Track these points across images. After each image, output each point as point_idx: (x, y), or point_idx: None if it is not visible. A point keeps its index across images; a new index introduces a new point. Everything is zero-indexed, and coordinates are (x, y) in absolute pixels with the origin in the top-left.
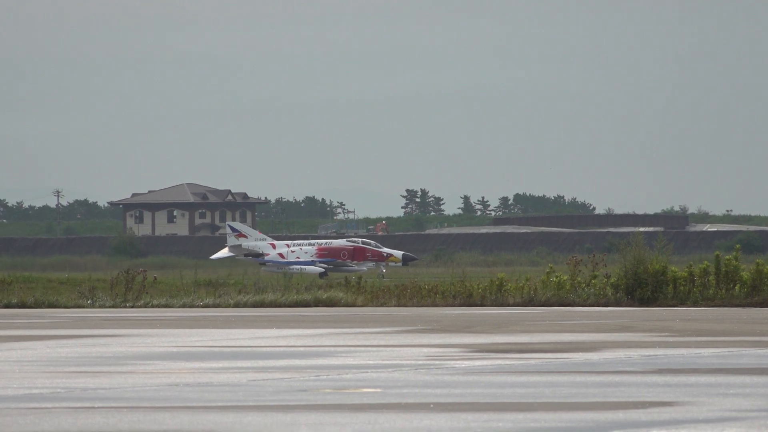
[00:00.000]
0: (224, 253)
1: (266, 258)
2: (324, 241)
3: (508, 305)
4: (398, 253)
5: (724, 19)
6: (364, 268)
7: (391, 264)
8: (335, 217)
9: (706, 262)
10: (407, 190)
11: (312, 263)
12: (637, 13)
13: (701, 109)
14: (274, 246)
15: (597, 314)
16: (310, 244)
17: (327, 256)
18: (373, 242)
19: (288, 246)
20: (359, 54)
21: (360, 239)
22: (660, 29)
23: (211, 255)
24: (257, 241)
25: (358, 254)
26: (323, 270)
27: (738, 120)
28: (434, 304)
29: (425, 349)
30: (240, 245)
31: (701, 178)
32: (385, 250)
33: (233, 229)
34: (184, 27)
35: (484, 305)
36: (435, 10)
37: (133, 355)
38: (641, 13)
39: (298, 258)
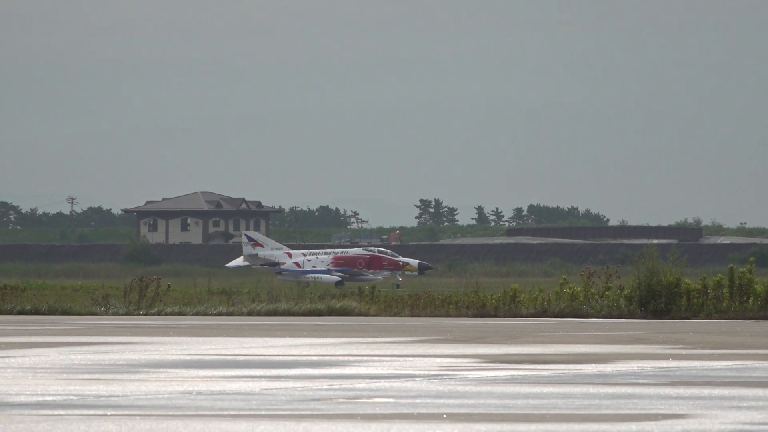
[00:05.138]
0: (239, 261)
1: (282, 267)
2: (340, 250)
3: (522, 316)
4: (414, 262)
5: (742, 34)
6: (380, 277)
7: (407, 273)
8: (349, 227)
9: (719, 274)
10: (421, 200)
11: (328, 272)
12: (654, 26)
13: (716, 122)
14: (290, 255)
15: (610, 326)
16: (326, 253)
17: (343, 265)
18: (389, 251)
19: (304, 255)
20: (374, 63)
21: (376, 248)
22: (675, 43)
23: (224, 263)
24: (273, 250)
25: (374, 263)
26: (339, 279)
27: (753, 133)
28: (447, 315)
29: (438, 360)
30: (256, 254)
31: (715, 191)
32: (402, 259)
33: (249, 238)
34: (200, 35)
35: (498, 316)
36: (451, 21)
37: (146, 362)
38: (659, 26)
39: (314, 267)
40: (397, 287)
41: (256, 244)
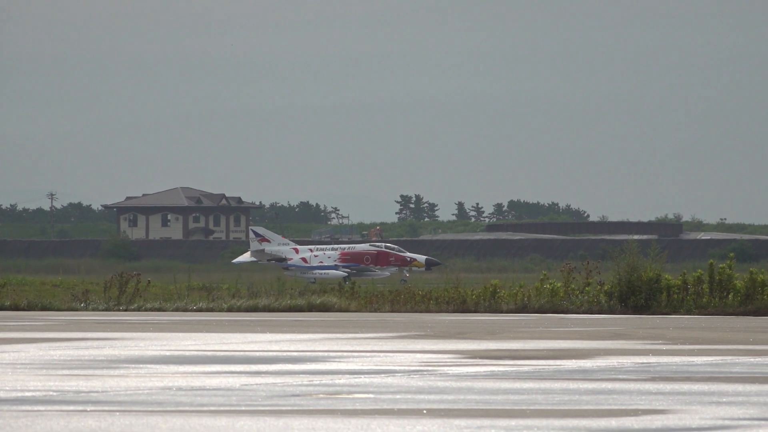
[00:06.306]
0: (246, 257)
1: (289, 263)
2: (347, 245)
3: (502, 312)
4: (422, 258)
5: (721, 28)
6: (387, 273)
7: (414, 269)
8: (329, 222)
9: (699, 270)
10: (401, 196)
11: (335, 268)
12: (634, 21)
13: (696, 118)
14: (297, 251)
15: (590, 321)
16: (333, 249)
17: (350, 260)
18: (396, 247)
19: (311, 251)
20: (355, 59)
21: (383, 244)
22: (656, 39)
23: (204, 259)
24: (280, 246)
25: (381, 259)
26: (346, 274)
27: (732, 130)
28: (428, 310)
29: (418, 355)
30: (263, 250)
31: (695, 187)
32: (409, 254)
33: (256, 234)
34: (180, 31)
35: (478, 311)
36: (432, 18)
37: (126, 358)
38: (638, 22)
39: (321, 262)
40: (404, 282)
41: (262, 239)
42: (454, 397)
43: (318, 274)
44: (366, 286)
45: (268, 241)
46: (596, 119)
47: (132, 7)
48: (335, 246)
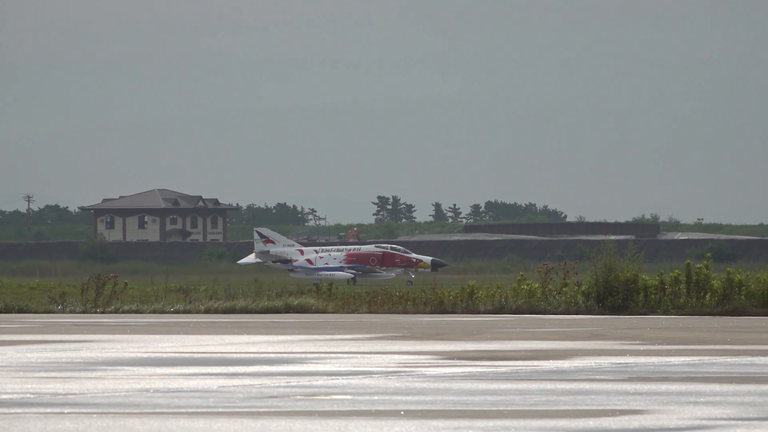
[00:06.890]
0: (251, 258)
1: (295, 264)
2: (352, 246)
3: (479, 313)
4: (427, 259)
5: (701, 29)
6: (393, 274)
7: (420, 270)
8: (306, 224)
9: (677, 270)
10: (379, 197)
11: (341, 269)
12: (612, 22)
13: (672, 119)
14: (302, 252)
15: (568, 322)
16: (338, 250)
17: (356, 261)
18: (402, 248)
19: (316, 252)
20: (333, 62)
21: (389, 245)
22: (634, 40)
23: (182, 261)
24: (285, 247)
25: (387, 260)
26: (352, 276)
27: (708, 130)
28: (405, 311)
29: (396, 356)
30: (268, 251)
31: (672, 187)
32: (414, 255)
33: (261, 235)
34: (160, 33)
35: (455, 312)
36: (411, 21)
37: (103, 360)
38: (616, 22)
39: (327, 264)
40: (410, 284)
41: (267, 241)
42: (431, 398)
43: (323, 276)
44: (343, 287)
45: (273, 242)
46: (573, 120)
47: (108, 9)
48: (341, 247)
